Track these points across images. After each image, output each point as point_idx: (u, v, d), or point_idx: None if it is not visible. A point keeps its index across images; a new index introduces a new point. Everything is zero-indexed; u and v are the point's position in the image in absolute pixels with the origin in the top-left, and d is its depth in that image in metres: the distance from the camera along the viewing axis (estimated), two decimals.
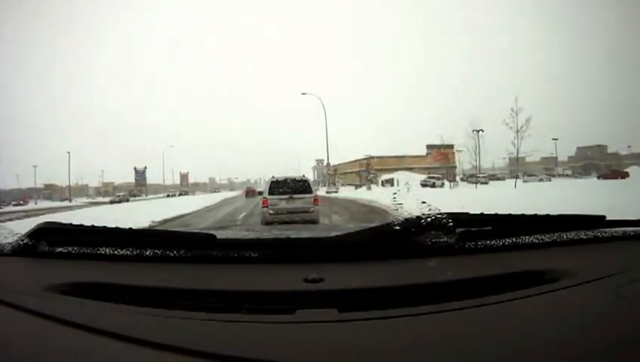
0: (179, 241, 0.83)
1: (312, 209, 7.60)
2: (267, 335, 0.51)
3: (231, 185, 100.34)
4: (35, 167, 65.40)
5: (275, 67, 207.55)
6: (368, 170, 43.76)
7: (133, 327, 0.52)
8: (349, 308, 0.58)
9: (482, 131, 30.68)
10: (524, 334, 0.49)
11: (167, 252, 0.80)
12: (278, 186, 7.81)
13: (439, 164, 45.91)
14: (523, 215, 0.86)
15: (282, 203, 7.63)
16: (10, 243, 0.87)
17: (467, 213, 0.82)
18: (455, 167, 48.81)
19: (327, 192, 31.36)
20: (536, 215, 0.86)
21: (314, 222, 7.25)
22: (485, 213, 0.86)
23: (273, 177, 8.12)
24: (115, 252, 0.81)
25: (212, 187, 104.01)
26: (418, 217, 0.76)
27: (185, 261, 0.79)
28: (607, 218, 0.88)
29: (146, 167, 71.30)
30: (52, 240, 0.85)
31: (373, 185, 37.46)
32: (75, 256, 0.83)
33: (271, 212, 7.53)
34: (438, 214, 0.76)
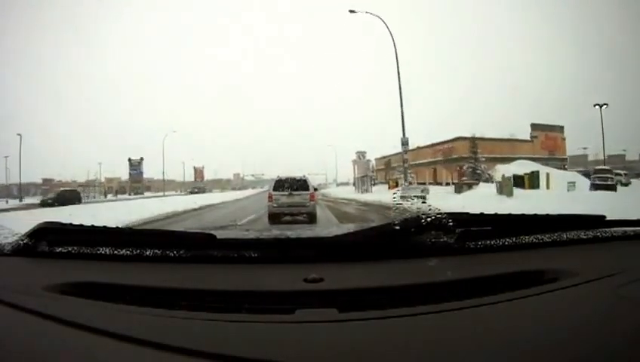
0: (179, 241, 0.83)
1: (308, 203, 9.15)
2: (267, 335, 0.51)
3: (254, 183, 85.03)
4: (6, 157, 50.92)
5: (304, 51, 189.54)
6: (475, 158, 27.16)
7: (133, 327, 0.52)
8: (348, 308, 0.58)
9: (607, 106, 20.89)
10: (524, 334, 0.49)
11: (167, 252, 0.80)
12: (281, 184, 9.36)
13: (548, 152, 31.54)
14: (523, 215, 0.86)
15: (283, 198, 9.10)
16: (10, 243, 0.87)
17: (467, 213, 0.82)
18: (566, 158, 33.72)
19: (400, 199, 7.52)
20: (536, 215, 0.86)
21: (311, 214, 9.04)
22: (485, 213, 0.86)
23: (278, 176, 9.79)
24: (115, 252, 0.81)
25: (238, 184, 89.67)
26: (418, 217, 0.76)
27: (185, 261, 0.79)
28: (607, 218, 0.88)
29: (142, 158, 60.19)
30: (52, 240, 0.85)
31: (487, 185, 20.35)
32: (74, 256, 0.83)
33: (274, 205, 9.12)
34: (438, 214, 0.76)
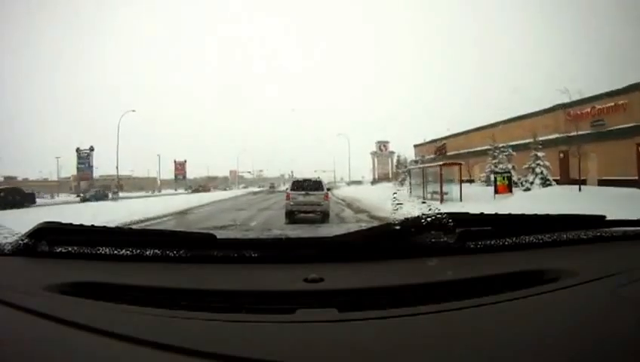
0: (179, 241, 0.83)
1: (322, 203, 10.22)
2: (267, 335, 0.51)
3: (251, 182, 76.99)
4: None
5: (305, 34, 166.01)
6: None
7: (133, 327, 0.52)
8: (349, 308, 0.58)
9: None
10: (524, 334, 0.49)
11: (167, 252, 0.80)
12: (298, 185, 10.63)
13: None
14: (523, 215, 0.86)
15: (300, 197, 10.23)
16: (10, 243, 0.87)
17: (467, 213, 0.82)
18: None
19: None
20: (536, 215, 0.86)
21: (325, 212, 10.06)
22: (485, 213, 0.87)
23: (295, 178, 11.49)
24: (115, 252, 0.81)
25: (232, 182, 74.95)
26: (418, 217, 0.76)
27: (185, 261, 0.80)
28: (607, 218, 0.88)
29: (92, 148, 44.58)
30: (52, 240, 0.85)
31: None
32: (75, 256, 0.83)
33: (292, 203, 10.21)
34: (438, 214, 0.76)
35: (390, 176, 40.78)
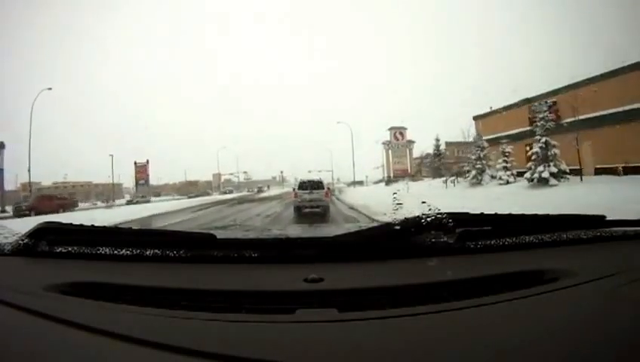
0: (179, 241, 0.83)
1: (324, 199, 12.41)
2: (267, 335, 0.51)
3: (236, 186, 64.59)
4: None
5: (297, 19, 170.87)
6: None
7: (133, 327, 0.52)
8: (348, 308, 0.58)
9: None
10: (524, 334, 0.49)
11: (167, 252, 0.80)
12: (303, 184, 12.78)
13: None
14: (523, 215, 0.86)
15: (305, 195, 12.45)
16: (10, 243, 0.88)
17: (467, 213, 0.82)
18: None
19: None
20: (536, 215, 0.86)
21: (325, 207, 12.15)
22: (485, 213, 0.87)
23: (300, 179, 13.46)
24: (115, 252, 0.81)
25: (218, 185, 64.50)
26: (418, 217, 0.76)
27: (185, 261, 0.80)
28: (607, 218, 0.88)
29: (2, 145, 29.71)
30: (52, 240, 0.85)
31: None
32: (74, 256, 0.83)
33: (299, 200, 12.43)
34: (438, 214, 0.76)
35: (410, 171, 31.75)
